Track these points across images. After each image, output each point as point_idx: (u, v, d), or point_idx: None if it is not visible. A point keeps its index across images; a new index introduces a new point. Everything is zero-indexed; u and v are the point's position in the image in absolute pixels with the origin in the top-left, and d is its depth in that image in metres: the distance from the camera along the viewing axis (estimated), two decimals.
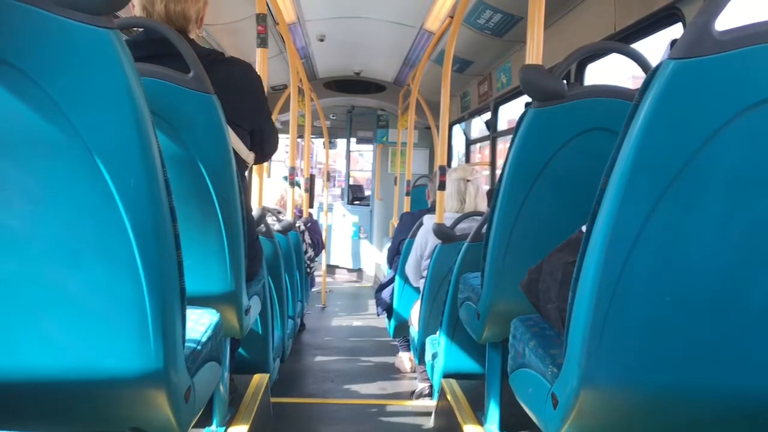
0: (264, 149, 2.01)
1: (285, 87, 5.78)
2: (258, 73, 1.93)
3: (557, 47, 3.29)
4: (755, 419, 1.18)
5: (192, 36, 1.81)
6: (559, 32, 3.40)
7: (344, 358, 4.48)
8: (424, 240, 3.31)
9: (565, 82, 1.64)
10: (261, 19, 2.68)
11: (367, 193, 9.34)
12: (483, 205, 3.21)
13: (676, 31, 2.44)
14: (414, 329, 3.42)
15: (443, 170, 3.17)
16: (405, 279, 3.73)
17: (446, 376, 2.73)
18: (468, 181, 3.17)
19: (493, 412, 2.17)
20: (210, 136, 1.55)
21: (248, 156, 1.89)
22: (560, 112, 1.62)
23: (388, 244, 4.65)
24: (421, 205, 5.48)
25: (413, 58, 5.71)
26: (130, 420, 1.19)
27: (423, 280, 3.20)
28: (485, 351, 2.22)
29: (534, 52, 1.84)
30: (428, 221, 3.27)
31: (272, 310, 2.80)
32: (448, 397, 2.56)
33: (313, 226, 5.03)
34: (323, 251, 5.99)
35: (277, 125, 7.14)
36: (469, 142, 6.50)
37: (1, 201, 0.97)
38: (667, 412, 1.19)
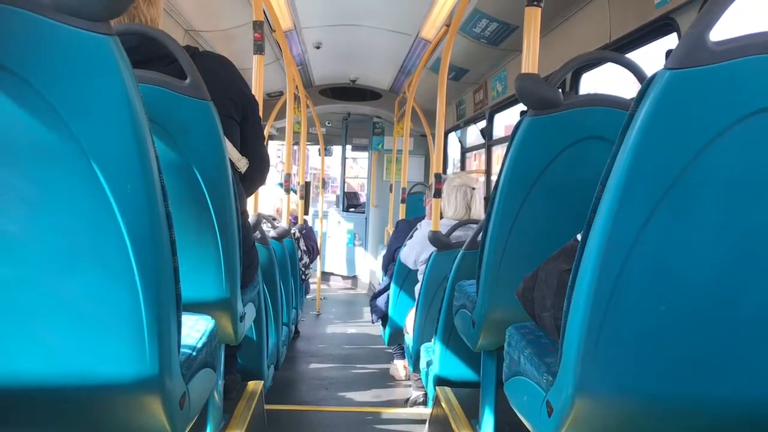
0: (253, 152, 1.99)
1: (281, 94, 5.79)
2: (235, 65, 1.92)
3: (553, 56, 3.31)
4: (750, 428, 1.18)
5: None
6: (554, 41, 3.42)
7: (339, 366, 4.48)
8: (421, 245, 3.30)
9: (560, 91, 1.65)
10: (258, 26, 2.69)
11: (362, 200, 9.34)
12: (483, 213, 3.22)
13: (671, 41, 2.45)
14: (409, 337, 3.42)
15: (438, 178, 3.17)
16: (400, 286, 3.73)
17: (441, 383, 2.72)
18: (473, 188, 3.18)
19: (488, 420, 2.17)
20: (206, 142, 1.55)
21: (239, 161, 1.88)
22: (556, 120, 1.63)
23: (384, 252, 4.66)
24: (416, 212, 5.49)
25: (409, 66, 5.73)
26: (124, 426, 1.18)
27: (418, 286, 3.20)
28: (480, 359, 2.22)
29: (530, 61, 1.85)
30: (425, 226, 3.28)
31: (267, 316, 2.79)
32: (443, 405, 2.56)
33: (308, 233, 5.03)
34: (318, 258, 5.99)
35: (273, 132, 7.21)
36: (465, 150, 6.52)
37: None
38: (662, 421, 1.19)
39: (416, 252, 3.34)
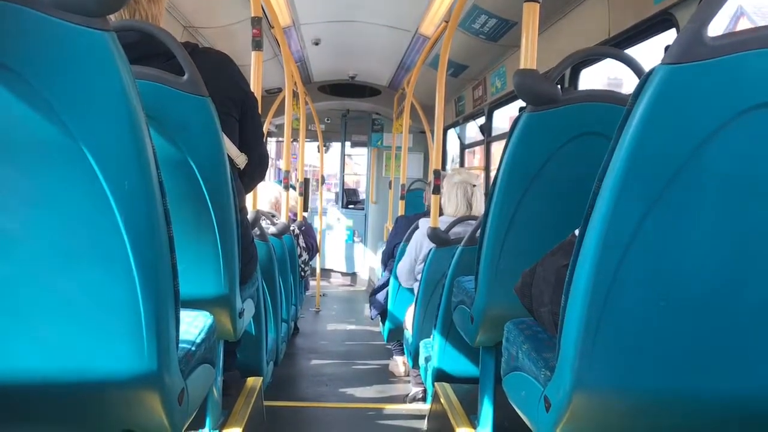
0: (252, 152, 1.99)
1: (279, 90, 5.78)
2: (235, 63, 1.92)
3: (552, 52, 3.30)
4: (748, 423, 1.18)
5: None
6: (553, 37, 3.42)
7: (338, 362, 4.48)
8: (419, 244, 3.32)
9: (559, 86, 1.65)
10: (256, 22, 2.69)
11: (361, 197, 9.35)
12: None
13: (669, 36, 2.45)
14: (408, 333, 3.42)
15: (438, 174, 3.17)
16: (399, 282, 3.73)
17: (440, 379, 2.73)
18: (474, 185, 3.19)
19: (487, 416, 2.17)
20: (204, 139, 1.55)
21: (238, 157, 1.88)
22: (554, 116, 1.63)
23: (383, 248, 4.67)
24: (415, 208, 5.50)
25: (408, 62, 5.72)
26: (123, 422, 1.18)
27: (417, 283, 3.21)
28: (479, 355, 2.22)
29: (528, 57, 1.85)
30: (424, 224, 3.28)
31: (266, 313, 2.79)
32: (442, 401, 2.57)
33: (307, 230, 5.03)
34: (317, 255, 5.99)
35: (272, 128, 7.20)
36: (464, 147, 6.52)
37: None
38: (659, 416, 1.19)
39: (413, 256, 3.37)
